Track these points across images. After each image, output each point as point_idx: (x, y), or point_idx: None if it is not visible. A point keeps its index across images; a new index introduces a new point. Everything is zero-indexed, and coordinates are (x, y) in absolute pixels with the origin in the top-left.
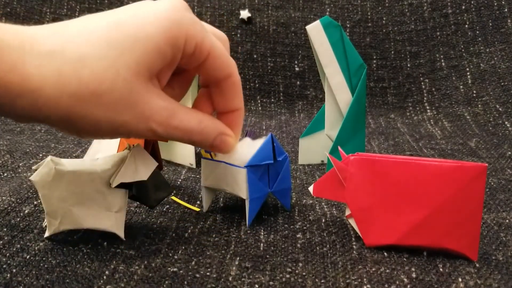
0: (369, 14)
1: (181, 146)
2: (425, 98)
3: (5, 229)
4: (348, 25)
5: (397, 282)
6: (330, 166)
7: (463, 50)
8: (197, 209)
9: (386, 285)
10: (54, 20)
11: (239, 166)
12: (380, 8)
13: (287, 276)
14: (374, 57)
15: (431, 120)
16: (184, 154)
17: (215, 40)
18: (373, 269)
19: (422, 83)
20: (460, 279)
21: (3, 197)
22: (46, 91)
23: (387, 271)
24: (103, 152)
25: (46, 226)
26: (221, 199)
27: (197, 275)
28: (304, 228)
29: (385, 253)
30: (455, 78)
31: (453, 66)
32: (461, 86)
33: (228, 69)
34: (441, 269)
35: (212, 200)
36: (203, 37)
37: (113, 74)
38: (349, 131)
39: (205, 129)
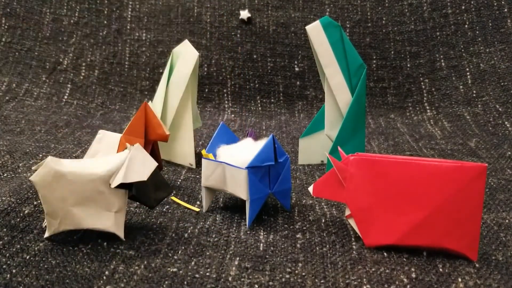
0: (369, 14)
1: (181, 146)
2: (425, 98)
3: (5, 230)
4: (348, 25)
5: (397, 282)
6: (330, 166)
7: (463, 50)
8: (197, 210)
9: (385, 285)
10: (54, 20)
11: (240, 167)
12: (380, 8)
13: (287, 276)
14: (374, 57)
15: (431, 120)
16: (184, 154)
17: None
18: (373, 269)
19: (422, 83)
20: (460, 279)
21: (3, 198)
22: None
23: (387, 271)
24: (102, 152)
25: (46, 226)
26: (221, 199)
27: (197, 275)
28: (304, 228)
29: (385, 253)
30: (455, 78)
31: (453, 66)
32: (461, 86)
33: None
34: (440, 269)
35: (212, 200)
36: None
37: None
38: (349, 131)
39: None
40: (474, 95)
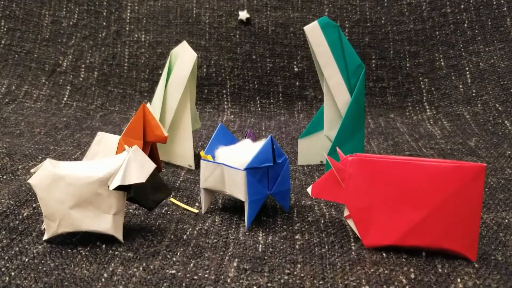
0: (368, 14)
1: (180, 148)
2: (424, 98)
3: (3, 232)
4: (347, 25)
5: (396, 283)
6: (329, 166)
7: (462, 49)
8: (196, 211)
9: (384, 286)
10: (53, 22)
11: (239, 169)
12: (379, 8)
13: (286, 277)
14: (373, 57)
15: (431, 120)
16: (183, 155)
17: None
18: (372, 270)
19: (422, 82)
20: (459, 280)
21: (2, 200)
22: None
23: (386, 272)
24: (101, 154)
25: (44, 229)
26: (220, 200)
27: (196, 277)
28: (303, 229)
29: (384, 254)
30: (454, 77)
31: (452, 66)
32: (461, 86)
33: None
34: (440, 270)
35: (211, 201)
36: None
37: None
38: (348, 131)
39: None
40: (473, 94)
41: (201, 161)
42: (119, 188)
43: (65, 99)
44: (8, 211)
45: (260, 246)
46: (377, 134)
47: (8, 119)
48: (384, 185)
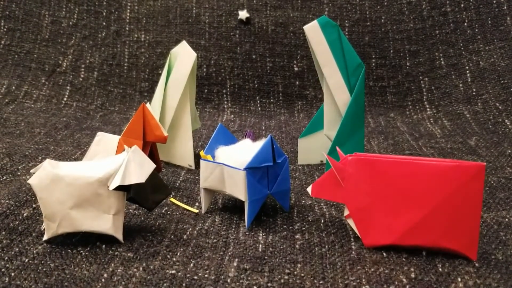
0: (367, 13)
1: (180, 148)
2: (424, 97)
3: (3, 232)
4: (346, 25)
5: (396, 283)
6: (329, 166)
7: (462, 48)
8: (196, 211)
9: (385, 286)
10: (53, 22)
11: (238, 168)
12: (378, 7)
13: (286, 277)
14: (373, 56)
15: (431, 119)
16: (183, 155)
17: None
18: (372, 270)
19: (422, 81)
20: (459, 279)
21: (2, 200)
22: None
23: (386, 271)
24: (101, 154)
25: (44, 229)
26: (220, 200)
27: (196, 277)
28: (303, 229)
29: (384, 253)
30: (454, 76)
31: (452, 65)
32: (461, 85)
33: None
34: (440, 269)
35: (211, 201)
36: None
37: None
38: (348, 130)
39: None
40: (474, 93)
41: (201, 161)
42: (119, 188)
43: (65, 99)
44: (8, 211)
45: (260, 246)
46: (377, 133)
47: (8, 119)
48: (384, 185)
